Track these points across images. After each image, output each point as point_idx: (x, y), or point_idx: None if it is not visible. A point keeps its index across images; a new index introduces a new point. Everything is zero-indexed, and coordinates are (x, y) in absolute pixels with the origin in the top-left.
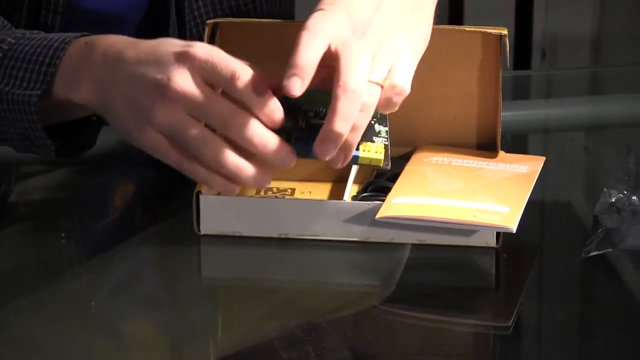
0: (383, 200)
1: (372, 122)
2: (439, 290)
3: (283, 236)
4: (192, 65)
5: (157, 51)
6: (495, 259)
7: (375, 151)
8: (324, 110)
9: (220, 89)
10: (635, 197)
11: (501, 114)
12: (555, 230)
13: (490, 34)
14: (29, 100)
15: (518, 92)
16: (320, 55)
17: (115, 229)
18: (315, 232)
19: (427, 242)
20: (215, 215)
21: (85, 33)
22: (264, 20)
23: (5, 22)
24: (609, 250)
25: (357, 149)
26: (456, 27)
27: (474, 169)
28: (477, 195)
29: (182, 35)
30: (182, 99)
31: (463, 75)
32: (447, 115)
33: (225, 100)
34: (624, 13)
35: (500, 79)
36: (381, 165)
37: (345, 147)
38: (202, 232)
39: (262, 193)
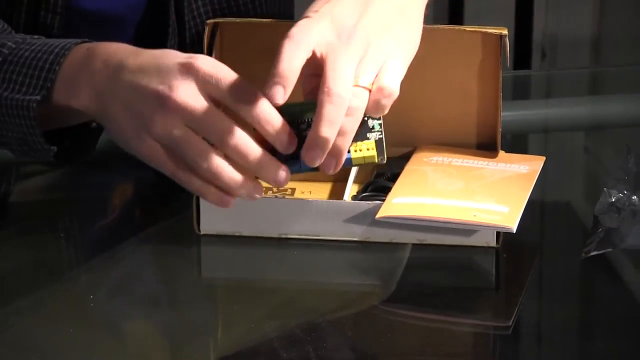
0: (383, 200)
1: (365, 118)
2: (439, 290)
3: (283, 236)
4: (195, 77)
5: (160, 61)
6: (495, 258)
7: (367, 149)
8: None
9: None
10: (635, 197)
11: (501, 113)
12: (555, 230)
13: (490, 34)
14: (28, 105)
15: (518, 92)
16: (303, 62)
17: (115, 229)
18: (315, 232)
19: (427, 241)
20: (215, 215)
21: (86, 39)
22: (263, 20)
23: (6, 25)
24: (609, 250)
25: (348, 151)
26: (456, 27)
27: (474, 169)
28: (477, 195)
29: (181, 35)
30: (181, 111)
31: (463, 75)
32: (447, 115)
33: (224, 116)
34: (624, 13)
35: (500, 79)
36: (376, 160)
37: (336, 152)
38: (202, 232)
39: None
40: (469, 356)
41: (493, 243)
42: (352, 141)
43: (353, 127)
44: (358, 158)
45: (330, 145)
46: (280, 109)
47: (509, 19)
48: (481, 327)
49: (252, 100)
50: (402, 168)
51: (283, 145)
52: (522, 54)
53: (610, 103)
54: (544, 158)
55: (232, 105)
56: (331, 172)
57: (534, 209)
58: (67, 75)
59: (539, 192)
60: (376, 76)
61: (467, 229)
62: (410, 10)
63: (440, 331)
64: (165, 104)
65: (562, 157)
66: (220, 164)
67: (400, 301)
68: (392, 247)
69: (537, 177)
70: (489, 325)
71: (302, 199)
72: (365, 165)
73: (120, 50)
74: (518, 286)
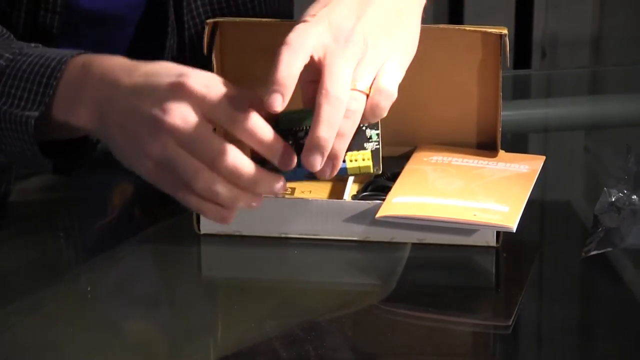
0: (383, 200)
1: (363, 127)
2: (439, 290)
3: (283, 236)
4: (188, 98)
5: (153, 80)
6: (495, 258)
7: (362, 159)
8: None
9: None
10: (635, 197)
11: (501, 113)
12: (555, 229)
13: (491, 33)
14: (26, 121)
15: (518, 91)
16: (300, 68)
17: (115, 228)
18: (315, 232)
19: (427, 241)
20: None
21: (82, 51)
22: (263, 19)
23: (4, 30)
24: (609, 249)
25: (344, 160)
26: (456, 27)
27: (474, 168)
28: (477, 194)
29: (180, 35)
30: (174, 133)
31: (463, 75)
32: (447, 114)
33: (215, 138)
34: (624, 12)
35: (500, 79)
36: (371, 171)
37: (332, 156)
38: (202, 231)
39: None
40: (468, 356)
41: (493, 242)
42: (349, 150)
43: (350, 130)
44: (353, 168)
45: (330, 148)
46: (278, 117)
47: (509, 19)
48: (481, 326)
49: (246, 120)
50: (402, 167)
51: (280, 162)
52: (522, 53)
53: (610, 103)
54: (544, 158)
55: (225, 125)
56: (327, 176)
57: (534, 209)
58: (65, 92)
59: (539, 192)
60: (374, 79)
61: (467, 229)
62: (407, 13)
63: (440, 331)
64: (158, 126)
65: (562, 156)
66: (216, 182)
67: (400, 300)
68: (392, 246)
69: (537, 176)
70: (488, 324)
71: (302, 198)
72: (360, 175)
73: (115, 68)
74: (518, 286)
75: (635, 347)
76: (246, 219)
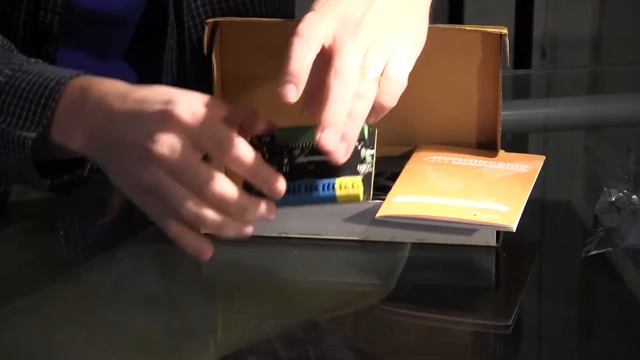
0: (383, 199)
1: (358, 147)
2: (439, 289)
3: (283, 235)
4: (174, 126)
5: (142, 109)
6: (495, 258)
7: (352, 186)
8: (312, 144)
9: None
10: (635, 197)
11: (501, 113)
12: (555, 229)
13: (491, 33)
14: (23, 141)
15: (518, 91)
16: (312, 59)
17: (115, 228)
18: (315, 232)
19: (427, 241)
20: None
21: (80, 72)
22: (263, 19)
23: (5, 41)
24: (609, 249)
25: (333, 187)
26: (456, 27)
27: (474, 168)
28: (477, 194)
29: (180, 35)
30: (162, 161)
31: (463, 75)
32: (447, 114)
33: (203, 167)
34: (624, 12)
35: (500, 79)
36: (360, 200)
37: (345, 137)
38: (202, 231)
39: None
40: (468, 355)
41: (493, 242)
42: (340, 175)
43: (363, 112)
44: (342, 196)
45: (342, 127)
46: (273, 134)
47: (509, 19)
48: (481, 326)
49: (232, 148)
50: (402, 167)
51: (269, 190)
52: (522, 53)
53: (610, 102)
54: (544, 157)
55: (211, 153)
56: (342, 158)
57: (534, 209)
58: (63, 114)
59: (539, 192)
60: (384, 69)
61: (467, 228)
62: (415, 7)
63: (440, 330)
64: (146, 155)
65: (562, 156)
66: (202, 209)
67: (400, 300)
68: (392, 246)
69: (537, 176)
70: (488, 324)
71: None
72: (349, 202)
73: (110, 93)
74: (518, 285)
75: (635, 347)
76: None
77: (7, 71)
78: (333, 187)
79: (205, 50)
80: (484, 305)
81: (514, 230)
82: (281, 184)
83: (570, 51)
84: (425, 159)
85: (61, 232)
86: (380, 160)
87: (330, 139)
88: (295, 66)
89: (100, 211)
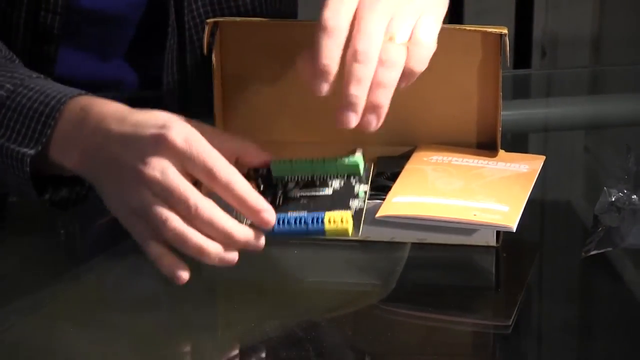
0: (383, 199)
1: (353, 182)
2: (439, 289)
3: None
4: (167, 152)
5: (137, 132)
6: (495, 258)
7: (341, 220)
8: (308, 178)
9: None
10: (635, 197)
11: (501, 113)
12: (555, 229)
13: (491, 33)
14: (22, 158)
15: (518, 91)
16: (340, 49)
17: (115, 228)
18: None
19: (427, 241)
20: None
21: (82, 92)
22: (264, 19)
23: (9, 52)
24: (609, 249)
25: (322, 221)
26: (456, 27)
27: (474, 168)
28: (477, 194)
29: (181, 35)
30: (152, 184)
31: (463, 75)
32: (447, 114)
33: (193, 192)
34: (624, 12)
35: (500, 78)
36: (349, 235)
37: (374, 107)
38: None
39: None
40: (468, 355)
41: (493, 242)
42: (331, 209)
43: (393, 81)
44: (330, 230)
45: (362, 104)
46: (269, 166)
47: (509, 19)
48: (481, 326)
49: (223, 177)
50: (402, 167)
51: (259, 221)
52: (522, 53)
53: (611, 102)
54: (544, 157)
55: (203, 180)
56: (373, 127)
57: (534, 208)
58: (61, 134)
59: (539, 192)
60: (411, 33)
61: (467, 228)
62: None
63: (440, 330)
64: (138, 177)
65: (562, 156)
66: (185, 230)
67: (400, 300)
68: (392, 246)
69: (537, 176)
70: (488, 324)
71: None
72: (337, 237)
73: (109, 115)
74: (518, 285)
75: (635, 347)
76: None
77: (8, 85)
78: (322, 221)
79: (205, 50)
80: (484, 305)
81: (514, 230)
82: (270, 215)
83: (570, 51)
84: (425, 159)
85: (61, 232)
86: (380, 160)
87: (349, 119)
88: (324, 62)
89: (101, 211)
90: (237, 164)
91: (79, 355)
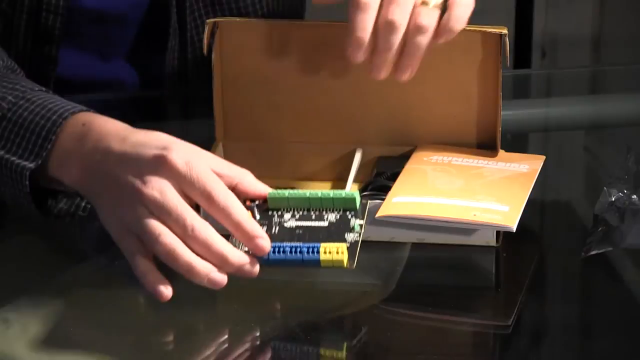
0: (383, 199)
1: (348, 216)
2: (439, 289)
3: None
4: (167, 173)
5: (138, 152)
6: (495, 257)
7: (337, 251)
8: (304, 210)
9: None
10: (635, 196)
11: (501, 113)
12: (555, 229)
13: (491, 33)
14: (21, 171)
15: (518, 91)
16: (373, 22)
17: None
18: None
19: (427, 241)
20: None
21: (83, 108)
22: (264, 19)
23: (12, 63)
24: (609, 249)
25: (318, 252)
26: None
27: (474, 168)
28: (477, 194)
29: (182, 36)
30: (150, 203)
31: (463, 75)
32: (447, 114)
33: (190, 211)
34: (624, 12)
35: (500, 78)
36: (344, 266)
37: (407, 68)
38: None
39: None
40: (468, 355)
41: (493, 242)
42: (327, 240)
43: (423, 45)
44: (326, 260)
45: (389, 67)
46: (266, 197)
47: (509, 18)
48: (481, 326)
49: (221, 202)
50: (402, 167)
51: (254, 248)
52: (522, 53)
53: (611, 102)
54: (544, 157)
55: (201, 204)
56: (406, 77)
57: (534, 208)
58: (61, 150)
59: (539, 191)
60: None
61: (467, 228)
62: None
63: (440, 330)
64: (136, 196)
65: (562, 156)
66: (177, 246)
67: (400, 300)
68: (392, 246)
69: (537, 176)
70: (488, 324)
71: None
72: (333, 268)
73: (111, 134)
74: (518, 285)
75: (635, 347)
76: None
77: (10, 98)
78: (318, 251)
79: (205, 51)
80: (484, 305)
81: (514, 230)
82: (265, 242)
83: (570, 51)
84: (425, 159)
85: (62, 233)
86: (380, 160)
87: (380, 71)
88: (358, 34)
89: None
90: (234, 193)
91: (79, 355)
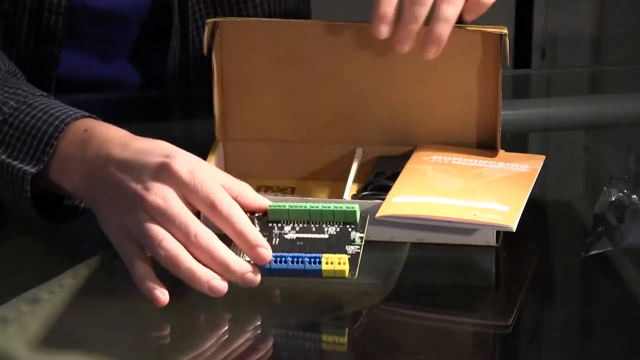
0: (383, 199)
1: (349, 228)
2: (439, 289)
3: None
4: (171, 180)
5: (141, 159)
6: (495, 257)
7: (339, 262)
8: (304, 223)
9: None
10: (635, 196)
11: (501, 112)
12: (555, 229)
13: (491, 32)
14: (22, 176)
15: (518, 91)
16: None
17: None
18: None
19: (427, 240)
20: None
21: (86, 113)
22: (264, 19)
23: (14, 67)
24: (609, 249)
25: (320, 262)
26: (456, 26)
27: (474, 168)
28: (477, 194)
29: (184, 37)
30: (153, 210)
31: (463, 74)
32: (447, 114)
33: (194, 218)
34: (624, 12)
35: (500, 78)
36: (346, 276)
37: (436, 40)
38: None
39: (262, 192)
40: (468, 355)
41: (493, 242)
42: (328, 252)
43: (454, 15)
44: (328, 271)
45: (414, 34)
46: (266, 211)
47: (509, 18)
48: (481, 325)
49: (224, 211)
50: (402, 167)
51: (255, 257)
52: (522, 53)
53: (611, 102)
54: (544, 157)
55: (204, 212)
56: (432, 55)
57: (534, 208)
58: (62, 155)
59: (539, 191)
60: None
61: (467, 228)
62: None
63: (440, 330)
64: (138, 202)
65: (562, 156)
66: (179, 251)
67: (400, 300)
68: (392, 246)
69: (537, 176)
70: (488, 324)
71: (301, 197)
72: (334, 279)
73: (113, 140)
74: (518, 285)
75: (635, 347)
76: None
77: (12, 102)
78: (320, 261)
79: (205, 51)
80: (484, 305)
81: (514, 230)
82: (267, 252)
83: (570, 51)
84: (425, 158)
85: (62, 233)
86: (380, 160)
87: (405, 43)
88: (383, 8)
89: None
90: None
91: (79, 355)
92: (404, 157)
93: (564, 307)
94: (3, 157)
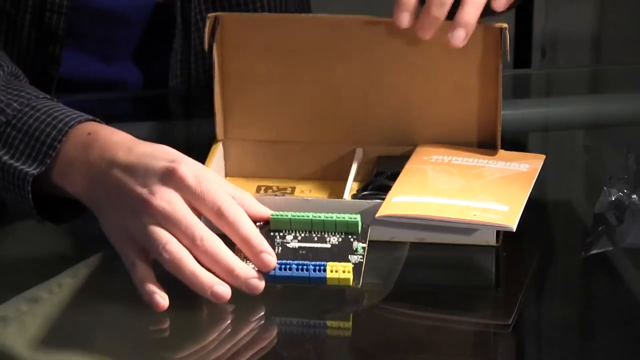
0: (383, 199)
1: (351, 239)
2: (439, 289)
3: None
4: (177, 185)
5: (146, 162)
6: (495, 257)
7: (343, 270)
8: (306, 232)
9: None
10: (635, 196)
11: (501, 112)
12: (555, 228)
13: (491, 27)
14: (24, 178)
15: (518, 90)
16: None
17: None
18: None
19: (427, 240)
20: None
21: (89, 117)
22: (265, 14)
23: (17, 70)
24: (609, 248)
25: (325, 270)
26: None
27: (474, 168)
28: (477, 193)
29: (187, 37)
30: (158, 214)
31: (463, 73)
32: (447, 113)
33: (199, 223)
34: (624, 11)
35: (501, 74)
36: (350, 284)
37: (464, 24)
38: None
39: (262, 192)
40: (468, 355)
41: (493, 242)
42: (332, 261)
43: (480, 2)
44: (333, 279)
45: (438, 22)
46: (268, 220)
47: (509, 18)
48: (481, 325)
49: (230, 216)
50: (402, 167)
51: (260, 263)
52: (522, 52)
53: (611, 102)
54: (544, 156)
55: (209, 218)
56: (460, 43)
57: (534, 208)
58: (65, 159)
59: (539, 191)
60: None
61: (467, 228)
62: None
63: (440, 330)
64: (143, 206)
65: (562, 155)
66: (184, 254)
67: (400, 300)
68: (392, 245)
69: (537, 175)
70: (488, 323)
71: (302, 198)
72: (338, 287)
73: (117, 144)
74: (518, 285)
75: (635, 347)
76: None
77: (15, 105)
78: (324, 269)
79: (205, 46)
80: (484, 305)
81: (514, 230)
82: (271, 259)
83: (570, 50)
84: (425, 158)
85: (62, 233)
86: (380, 160)
87: (427, 32)
88: (405, 1)
89: None
90: None
91: (78, 354)
92: (404, 157)
93: (564, 307)
94: (5, 158)
